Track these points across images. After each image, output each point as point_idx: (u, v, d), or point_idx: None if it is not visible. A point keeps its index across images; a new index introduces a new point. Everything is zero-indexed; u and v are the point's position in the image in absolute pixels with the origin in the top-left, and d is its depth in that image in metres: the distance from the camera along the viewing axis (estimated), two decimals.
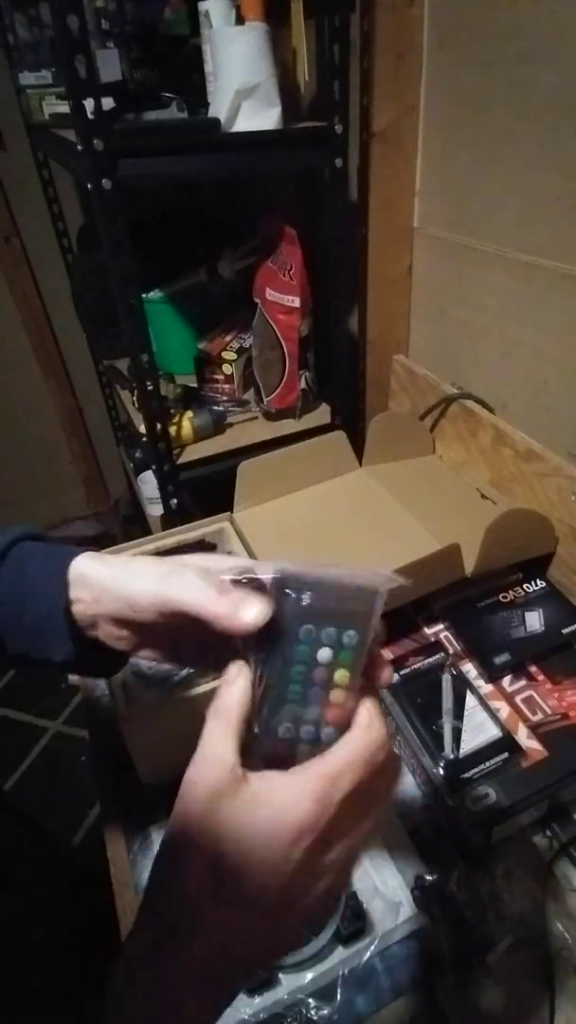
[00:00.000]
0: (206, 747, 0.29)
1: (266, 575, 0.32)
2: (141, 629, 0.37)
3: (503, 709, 0.65)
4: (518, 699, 0.65)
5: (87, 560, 0.37)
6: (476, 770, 0.59)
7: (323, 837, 0.27)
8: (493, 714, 0.64)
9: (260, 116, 0.83)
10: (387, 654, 0.71)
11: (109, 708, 0.74)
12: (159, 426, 0.95)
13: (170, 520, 1.03)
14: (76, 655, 0.37)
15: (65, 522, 2.18)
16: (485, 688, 0.67)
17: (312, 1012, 0.50)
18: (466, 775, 0.58)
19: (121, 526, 2.09)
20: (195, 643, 0.36)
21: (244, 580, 0.33)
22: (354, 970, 0.52)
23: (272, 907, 0.27)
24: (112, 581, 0.36)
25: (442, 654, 0.70)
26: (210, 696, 0.31)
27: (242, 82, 0.79)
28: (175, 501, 1.03)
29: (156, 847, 0.60)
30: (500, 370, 0.86)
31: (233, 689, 0.31)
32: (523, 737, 0.61)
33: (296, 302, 0.98)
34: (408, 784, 0.65)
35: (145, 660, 0.39)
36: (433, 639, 0.73)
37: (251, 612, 0.31)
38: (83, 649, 0.37)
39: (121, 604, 0.35)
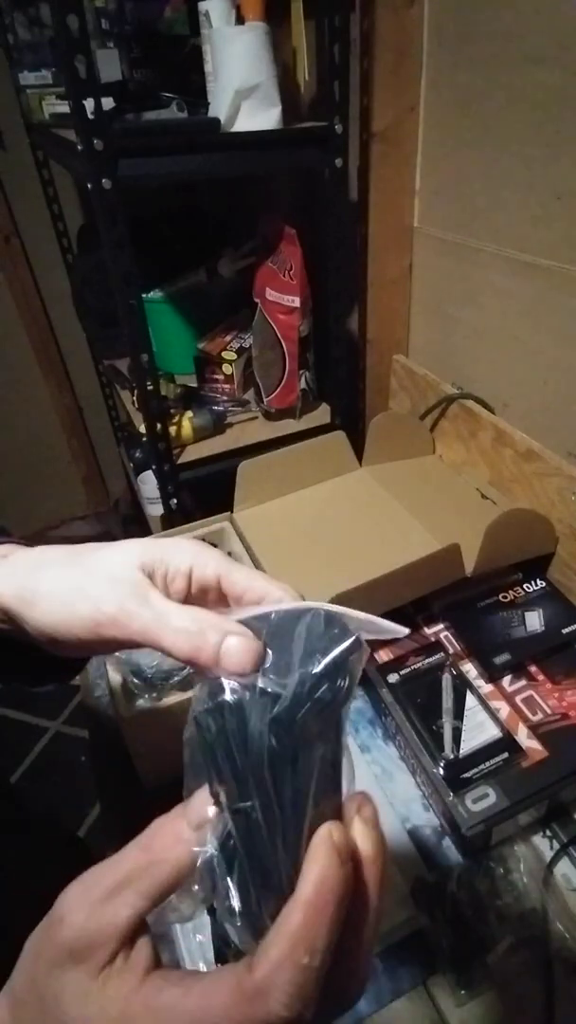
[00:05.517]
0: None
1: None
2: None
3: (503, 709, 0.64)
4: (518, 699, 0.65)
5: None
6: (476, 770, 0.59)
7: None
8: (493, 714, 0.64)
9: (260, 116, 0.83)
10: (387, 654, 0.71)
11: (109, 708, 0.74)
12: (159, 426, 0.95)
13: (170, 520, 1.03)
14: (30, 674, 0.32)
15: (65, 522, 2.18)
16: (485, 688, 0.67)
17: None
18: (466, 775, 0.58)
19: (121, 526, 2.09)
20: None
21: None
22: None
23: None
24: (17, 605, 0.29)
25: (442, 654, 0.70)
26: None
27: (242, 82, 0.79)
28: (175, 501, 1.03)
29: None
30: (500, 370, 0.86)
31: (169, 859, 0.23)
32: (523, 737, 0.61)
33: (296, 302, 0.98)
34: (408, 784, 0.65)
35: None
36: (433, 639, 0.73)
37: (236, 652, 0.24)
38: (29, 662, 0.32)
39: (36, 635, 0.29)
